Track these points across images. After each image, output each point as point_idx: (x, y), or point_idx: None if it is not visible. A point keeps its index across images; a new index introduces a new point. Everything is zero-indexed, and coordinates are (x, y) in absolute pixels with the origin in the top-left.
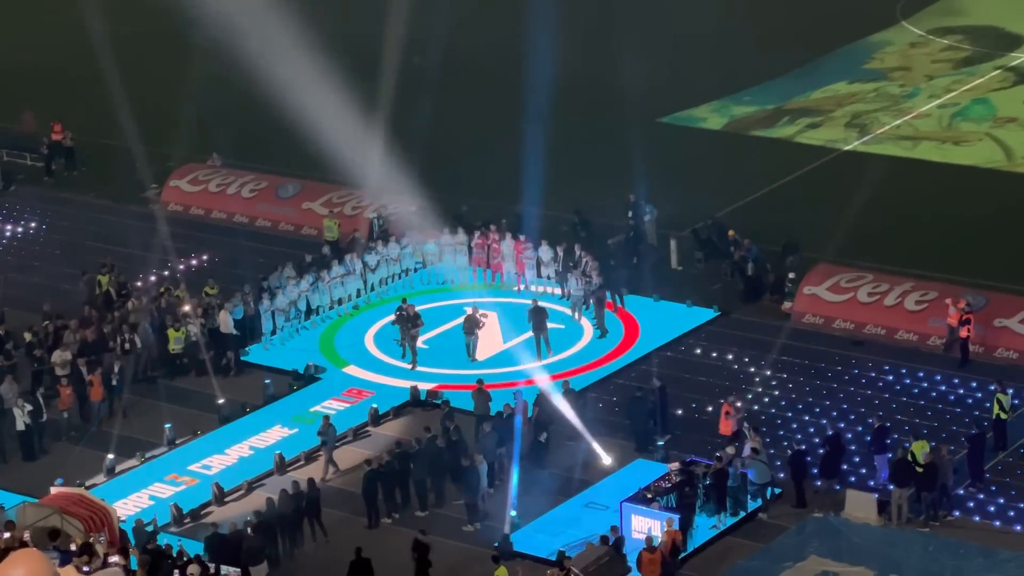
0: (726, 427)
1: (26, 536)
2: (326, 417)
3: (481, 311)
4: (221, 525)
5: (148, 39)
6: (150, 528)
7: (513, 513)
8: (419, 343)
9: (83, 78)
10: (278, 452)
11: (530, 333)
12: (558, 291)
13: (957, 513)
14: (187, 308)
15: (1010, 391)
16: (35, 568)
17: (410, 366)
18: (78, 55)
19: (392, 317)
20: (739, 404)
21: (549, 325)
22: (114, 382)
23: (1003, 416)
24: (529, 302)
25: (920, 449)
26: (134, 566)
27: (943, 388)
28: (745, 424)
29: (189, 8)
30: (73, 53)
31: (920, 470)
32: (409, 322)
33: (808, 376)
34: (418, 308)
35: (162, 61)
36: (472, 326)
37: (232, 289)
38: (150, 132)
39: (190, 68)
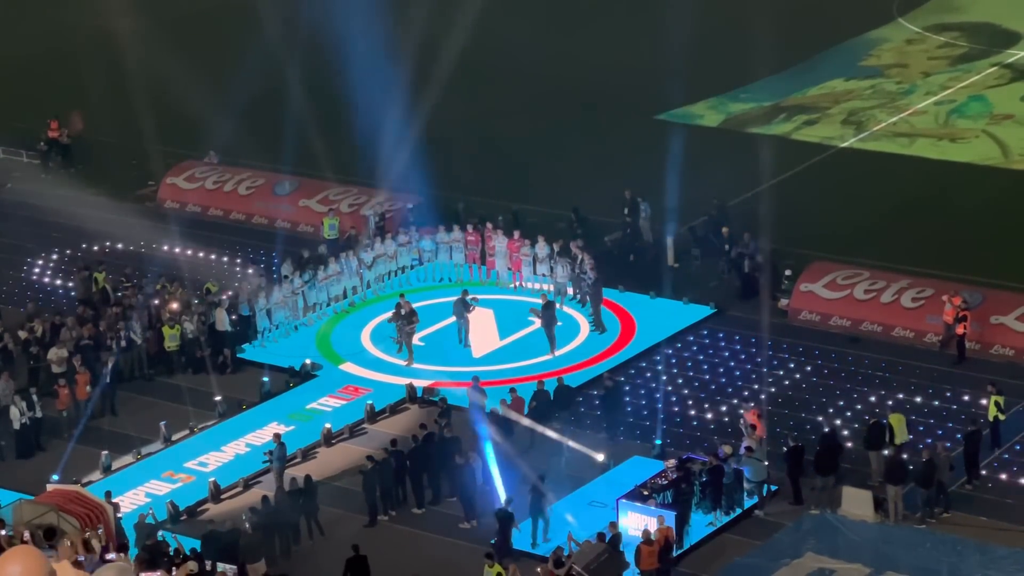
0: (762, 430)
1: (26, 534)
2: (277, 434)
3: (471, 295)
4: (218, 523)
5: (147, 35)
6: (150, 521)
7: (504, 496)
8: (415, 340)
9: (82, 75)
10: (272, 449)
11: (530, 329)
12: (553, 288)
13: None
14: (175, 306)
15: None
16: (31, 565)
17: (406, 362)
18: (76, 52)
19: (388, 314)
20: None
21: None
22: (107, 379)
23: (1001, 417)
24: (532, 299)
25: (898, 422)
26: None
27: (939, 385)
28: (742, 422)
29: (189, 5)
30: (71, 50)
31: (896, 444)
32: (404, 319)
33: (804, 373)
34: (414, 305)
35: (161, 58)
36: (462, 310)
37: (232, 287)
38: (149, 129)
39: (190, 64)
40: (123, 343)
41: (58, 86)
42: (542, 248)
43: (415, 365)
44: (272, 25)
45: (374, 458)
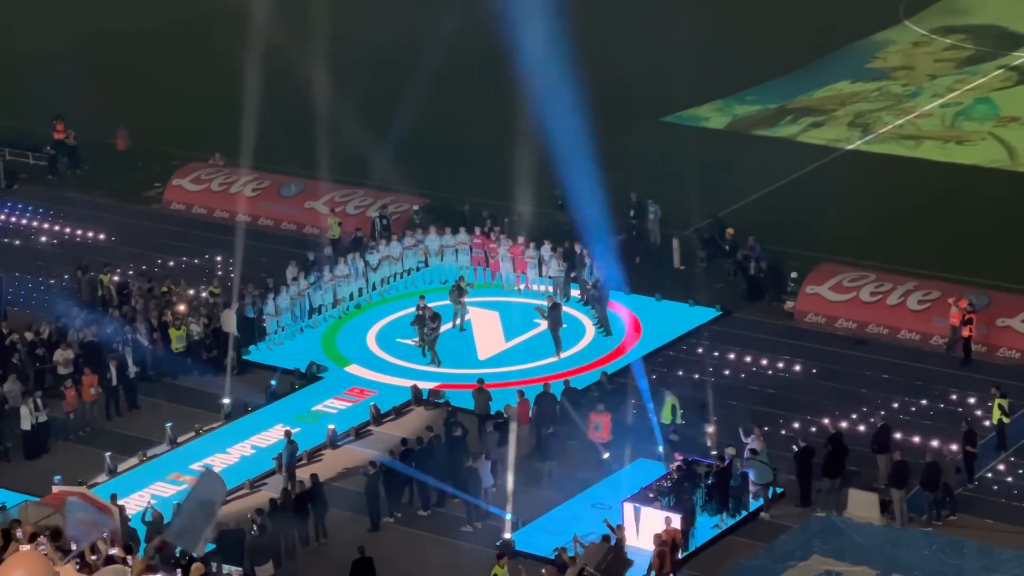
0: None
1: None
2: (287, 431)
3: (467, 281)
4: (224, 524)
5: (152, 37)
6: (149, 518)
7: (509, 516)
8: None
9: (86, 76)
10: (280, 452)
11: (535, 331)
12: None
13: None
14: (182, 308)
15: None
16: (33, 569)
17: (435, 366)
18: (80, 52)
19: (413, 318)
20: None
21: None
22: (113, 382)
23: (1005, 421)
24: (538, 301)
25: (671, 403)
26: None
27: (945, 387)
28: (740, 429)
29: (193, 6)
30: (75, 50)
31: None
32: (428, 322)
33: (810, 376)
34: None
35: (167, 59)
36: (457, 296)
37: (239, 290)
38: (154, 131)
39: (194, 66)
40: (129, 345)
41: (60, 87)
42: (547, 251)
43: (430, 368)
44: (273, 24)
45: (376, 463)
